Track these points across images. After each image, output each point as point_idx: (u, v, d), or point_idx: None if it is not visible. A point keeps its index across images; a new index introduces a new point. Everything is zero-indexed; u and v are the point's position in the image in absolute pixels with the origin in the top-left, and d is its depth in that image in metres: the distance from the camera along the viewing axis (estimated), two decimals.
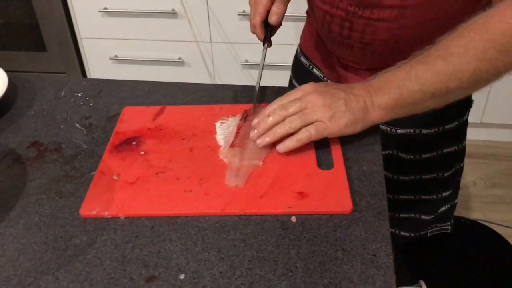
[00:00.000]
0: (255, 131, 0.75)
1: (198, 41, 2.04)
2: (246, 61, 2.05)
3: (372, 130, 0.78)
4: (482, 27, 0.67)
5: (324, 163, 0.73)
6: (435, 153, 0.97)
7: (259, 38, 0.89)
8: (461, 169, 1.05)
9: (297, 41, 1.10)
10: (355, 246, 0.62)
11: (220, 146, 0.76)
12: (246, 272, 0.59)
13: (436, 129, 0.94)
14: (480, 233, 1.46)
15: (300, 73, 1.07)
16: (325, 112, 0.71)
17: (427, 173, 1.00)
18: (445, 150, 0.98)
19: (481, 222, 1.53)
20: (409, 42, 0.80)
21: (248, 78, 2.11)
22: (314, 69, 1.02)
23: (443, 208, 1.08)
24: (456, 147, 0.99)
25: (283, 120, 0.73)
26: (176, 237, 0.64)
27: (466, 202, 2.02)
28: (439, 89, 0.70)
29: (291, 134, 0.73)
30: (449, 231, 1.13)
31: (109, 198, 0.68)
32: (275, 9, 0.87)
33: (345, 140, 0.77)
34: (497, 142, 2.24)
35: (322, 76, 1.01)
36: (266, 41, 0.88)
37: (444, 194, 1.04)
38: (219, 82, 2.15)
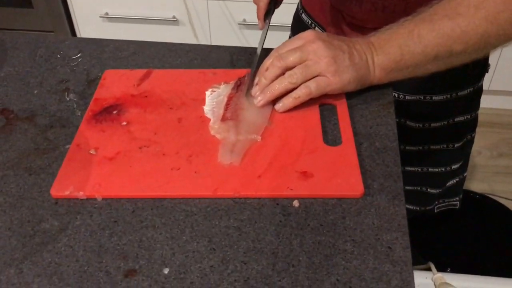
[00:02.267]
0: (257, 87, 0.69)
1: None
2: (244, 20, 1.93)
3: (385, 100, 0.69)
4: None
5: (331, 138, 0.65)
6: (445, 122, 0.91)
7: (259, 14, 0.79)
8: (472, 139, 1.00)
9: None
10: (366, 236, 0.53)
11: (210, 119, 0.67)
12: (241, 266, 0.51)
13: (448, 96, 0.87)
14: (489, 208, 1.39)
15: (301, 32, 0.98)
16: (329, 65, 0.65)
17: (436, 144, 0.94)
18: (456, 119, 0.91)
19: (488, 196, 1.46)
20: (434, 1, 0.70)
21: (247, 39, 2.00)
22: (316, 28, 0.93)
23: (451, 182, 1.02)
24: (469, 116, 0.93)
25: (282, 73, 0.67)
26: (161, 223, 0.55)
27: (471, 172, 1.95)
28: (443, 52, 0.65)
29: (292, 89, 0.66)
30: (457, 207, 1.07)
31: (84, 176, 0.60)
32: None
33: (354, 113, 0.68)
34: (505, 110, 2.16)
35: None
36: (268, 17, 0.78)
37: (454, 166, 0.98)
38: (215, 44, 2.04)
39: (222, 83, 0.73)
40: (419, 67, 0.67)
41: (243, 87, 0.71)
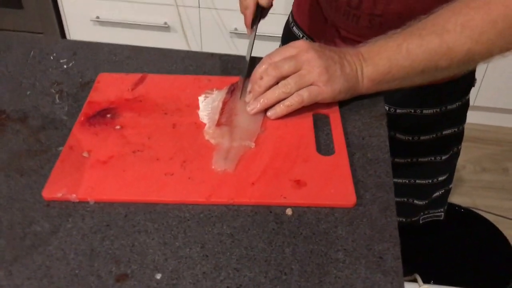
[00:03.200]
0: (250, 94, 0.69)
1: (185, 5, 1.92)
2: (236, 29, 1.94)
3: (378, 112, 0.70)
4: (485, 7, 0.63)
5: (324, 148, 0.65)
6: (434, 135, 0.92)
7: (246, 22, 0.80)
8: (458, 152, 1.02)
9: (288, 9, 1.00)
10: (358, 246, 0.54)
11: (205, 124, 0.67)
12: (234, 274, 0.51)
13: (438, 109, 0.89)
14: (473, 222, 1.40)
15: None
16: (321, 74, 0.66)
17: (424, 156, 0.95)
18: (444, 132, 0.93)
19: (472, 210, 1.48)
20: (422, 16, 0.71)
21: (237, 48, 2.01)
22: (308, 40, 0.93)
23: (436, 194, 1.03)
24: (456, 129, 0.94)
25: (276, 82, 0.67)
26: (154, 228, 0.55)
27: (455, 186, 1.97)
28: (429, 67, 0.67)
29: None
30: (441, 218, 1.08)
31: (77, 179, 0.59)
32: None
33: (347, 123, 0.68)
34: (488, 126, 2.20)
35: None
36: (255, 24, 0.79)
37: (440, 178, 1.00)
38: (206, 51, 2.04)
39: (215, 89, 0.73)
40: (406, 80, 0.69)
41: (237, 92, 0.71)
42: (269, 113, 0.68)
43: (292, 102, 0.67)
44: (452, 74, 0.71)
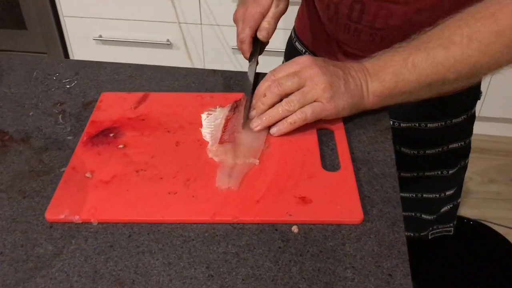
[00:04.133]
0: (254, 111, 0.69)
1: (187, 22, 1.93)
2: None
3: (383, 126, 0.70)
4: (491, 18, 0.61)
5: (329, 163, 0.64)
6: (440, 149, 0.91)
7: (245, 55, 0.80)
8: (466, 166, 1.00)
9: (290, 25, 1.01)
10: (367, 263, 0.53)
11: (208, 142, 0.66)
12: None
13: (443, 123, 0.88)
14: (482, 234, 1.38)
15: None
16: (325, 91, 0.65)
17: (430, 170, 0.94)
18: (451, 146, 0.92)
19: (481, 222, 1.46)
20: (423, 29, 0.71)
21: (240, 63, 2.01)
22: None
23: (445, 208, 1.02)
24: (462, 143, 0.93)
25: (279, 99, 0.67)
26: (158, 248, 0.54)
27: (463, 198, 1.94)
28: (436, 80, 0.65)
29: None
30: (451, 233, 1.06)
31: (80, 200, 0.59)
32: (266, 25, 0.79)
33: (352, 138, 0.68)
34: (494, 137, 2.18)
35: None
36: (253, 57, 0.79)
37: (448, 193, 0.99)
38: (209, 67, 2.05)
39: (217, 106, 0.72)
40: (413, 94, 0.67)
41: (240, 108, 0.70)
42: (272, 130, 0.67)
43: (296, 119, 0.66)
44: (460, 87, 0.70)
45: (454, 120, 0.88)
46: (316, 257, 0.53)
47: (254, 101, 0.69)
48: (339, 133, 0.68)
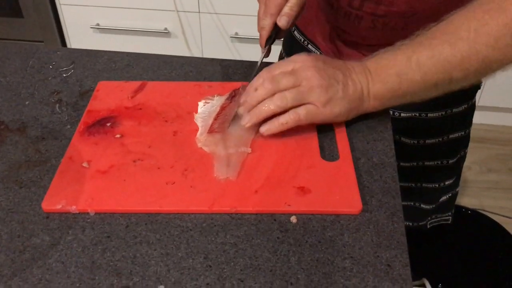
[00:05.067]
0: (243, 106, 0.65)
1: (185, 11, 1.92)
2: (236, 34, 1.93)
3: (382, 116, 0.69)
4: (499, 9, 0.58)
5: (328, 153, 0.64)
6: (440, 139, 0.90)
7: (261, 42, 0.75)
8: (465, 155, 1.00)
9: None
10: (365, 253, 0.53)
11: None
12: (238, 284, 0.50)
13: (443, 112, 0.87)
14: (480, 223, 1.39)
15: (293, 49, 0.97)
16: (321, 95, 0.62)
17: (430, 160, 0.93)
18: (451, 136, 0.91)
19: (480, 211, 1.46)
20: (426, 16, 0.70)
21: (239, 52, 2.00)
22: (309, 45, 0.92)
23: (444, 198, 1.02)
24: (462, 132, 0.92)
25: (272, 95, 0.63)
26: (155, 239, 0.54)
27: (462, 187, 1.94)
28: (442, 80, 0.62)
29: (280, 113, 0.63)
30: (449, 222, 1.06)
31: (77, 190, 0.58)
32: (288, 11, 0.71)
33: (351, 128, 0.67)
34: (493, 126, 2.18)
35: (319, 53, 0.90)
36: (269, 43, 0.75)
37: (447, 182, 0.98)
38: (207, 56, 2.03)
39: (216, 95, 0.72)
40: (417, 94, 0.65)
41: (237, 98, 0.69)
42: (262, 129, 0.64)
43: (288, 119, 0.63)
44: (469, 84, 0.66)
45: (454, 110, 0.87)
46: (314, 247, 0.53)
47: (243, 97, 0.66)
48: (338, 123, 0.67)
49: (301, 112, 0.63)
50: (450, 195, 1.02)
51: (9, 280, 0.50)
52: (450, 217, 1.07)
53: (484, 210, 1.64)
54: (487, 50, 0.59)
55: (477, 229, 1.39)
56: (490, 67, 0.61)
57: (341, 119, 0.65)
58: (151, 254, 0.52)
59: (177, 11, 1.91)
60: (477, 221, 1.41)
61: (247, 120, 0.64)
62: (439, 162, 0.94)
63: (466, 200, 1.90)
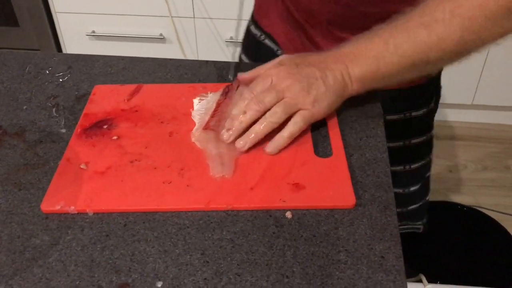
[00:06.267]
0: (229, 132, 0.64)
1: (180, 16, 1.93)
2: (231, 38, 1.95)
3: (374, 113, 0.70)
4: None
5: (322, 150, 0.65)
6: (401, 143, 0.90)
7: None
8: (430, 162, 0.98)
9: (243, 14, 0.98)
10: (359, 246, 0.54)
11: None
12: (235, 278, 0.51)
13: (402, 115, 0.86)
14: (477, 220, 1.40)
15: (250, 47, 0.96)
16: (306, 98, 0.63)
17: (393, 165, 0.93)
18: (413, 141, 0.91)
19: (476, 208, 1.47)
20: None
21: (234, 56, 2.01)
22: (266, 40, 0.90)
23: (413, 206, 1.01)
24: (425, 137, 0.92)
25: (260, 116, 0.64)
26: (153, 236, 0.55)
27: (457, 185, 1.96)
28: (419, 60, 0.64)
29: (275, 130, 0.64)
30: (420, 231, 1.05)
31: (75, 191, 0.59)
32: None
33: (344, 125, 0.68)
34: (488, 124, 2.19)
35: (276, 49, 0.89)
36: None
37: (412, 188, 0.97)
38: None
39: (209, 92, 0.73)
40: (396, 76, 0.66)
41: (230, 94, 0.70)
42: (268, 149, 0.63)
43: (292, 131, 0.64)
44: (446, 65, 0.68)
45: (413, 113, 0.87)
46: (309, 241, 0.54)
47: (228, 122, 0.65)
48: (332, 120, 0.68)
49: (298, 119, 0.64)
50: (420, 204, 1.01)
51: (10, 280, 0.51)
52: (422, 226, 1.05)
53: (480, 207, 1.65)
54: (461, 32, 0.60)
55: (474, 225, 1.40)
56: (466, 48, 0.63)
57: (333, 109, 0.67)
58: (149, 251, 0.53)
59: (172, 16, 1.92)
60: (473, 217, 1.42)
61: (244, 143, 0.63)
62: (402, 167, 0.93)
63: (462, 198, 1.91)
